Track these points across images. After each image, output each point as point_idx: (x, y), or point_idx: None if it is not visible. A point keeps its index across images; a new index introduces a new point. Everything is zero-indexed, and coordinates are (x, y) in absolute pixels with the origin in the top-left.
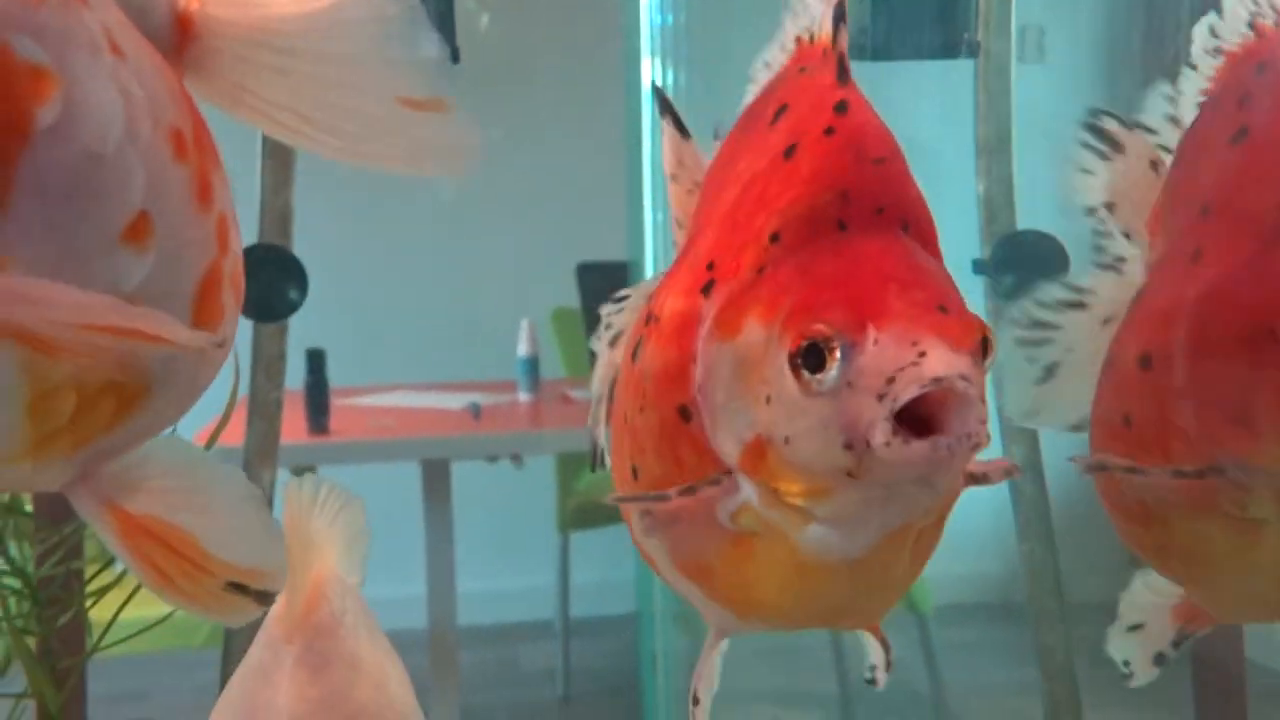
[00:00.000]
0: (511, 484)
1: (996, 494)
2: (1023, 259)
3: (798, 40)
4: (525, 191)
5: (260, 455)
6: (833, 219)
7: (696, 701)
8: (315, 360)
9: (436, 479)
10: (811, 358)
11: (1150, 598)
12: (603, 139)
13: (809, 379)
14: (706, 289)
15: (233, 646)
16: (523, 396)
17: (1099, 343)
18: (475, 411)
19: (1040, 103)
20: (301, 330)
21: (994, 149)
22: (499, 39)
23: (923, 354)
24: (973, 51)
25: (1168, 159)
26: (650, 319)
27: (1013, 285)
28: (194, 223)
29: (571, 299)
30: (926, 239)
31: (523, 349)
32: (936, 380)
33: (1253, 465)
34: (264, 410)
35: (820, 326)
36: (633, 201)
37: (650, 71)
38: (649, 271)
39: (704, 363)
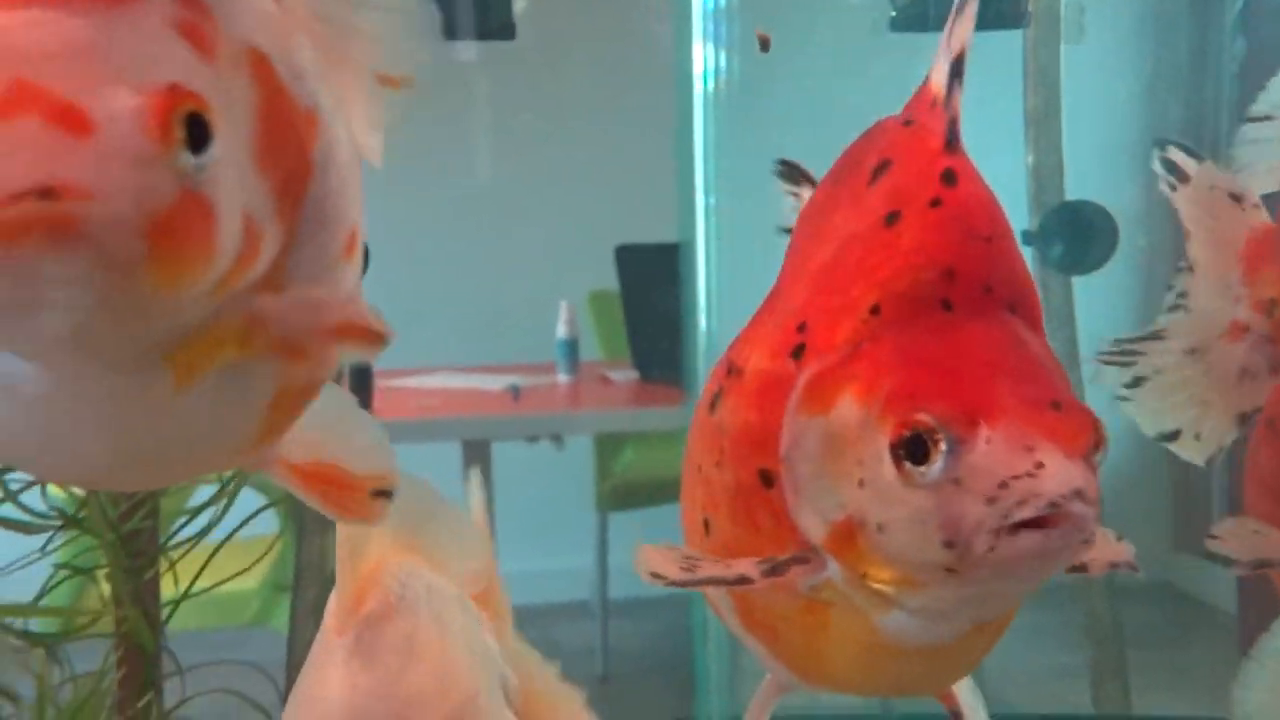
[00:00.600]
0: (550, 465)
1: None
2: (1072, 229)
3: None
4: (563, 174)
5: None
6: (938, 298)
7: None
8: None
9: (477, 459)
10: (915, 448)
11: None
12: (642, 121)
13: (911, 470)
14: (797, 352)
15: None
16: (562, 378)
17: (1186, 372)
18: (515, 393)
19: (1083, 82)
20: None
21: (1043, 120)
22: (540, 18)
23: (1040, 465)
24: (1025, 22)
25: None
26: (731, 370)
27: (1061, 255)
28: (363, 219)
29: (607, 282)
30: (1033, 319)
31: (562, 331)
32: (1053, 505)
33: None
34: None
35: (925, 418)
36: (683, 184)
37: (701, 55)
38: (700, 254)
39: (791, 432)
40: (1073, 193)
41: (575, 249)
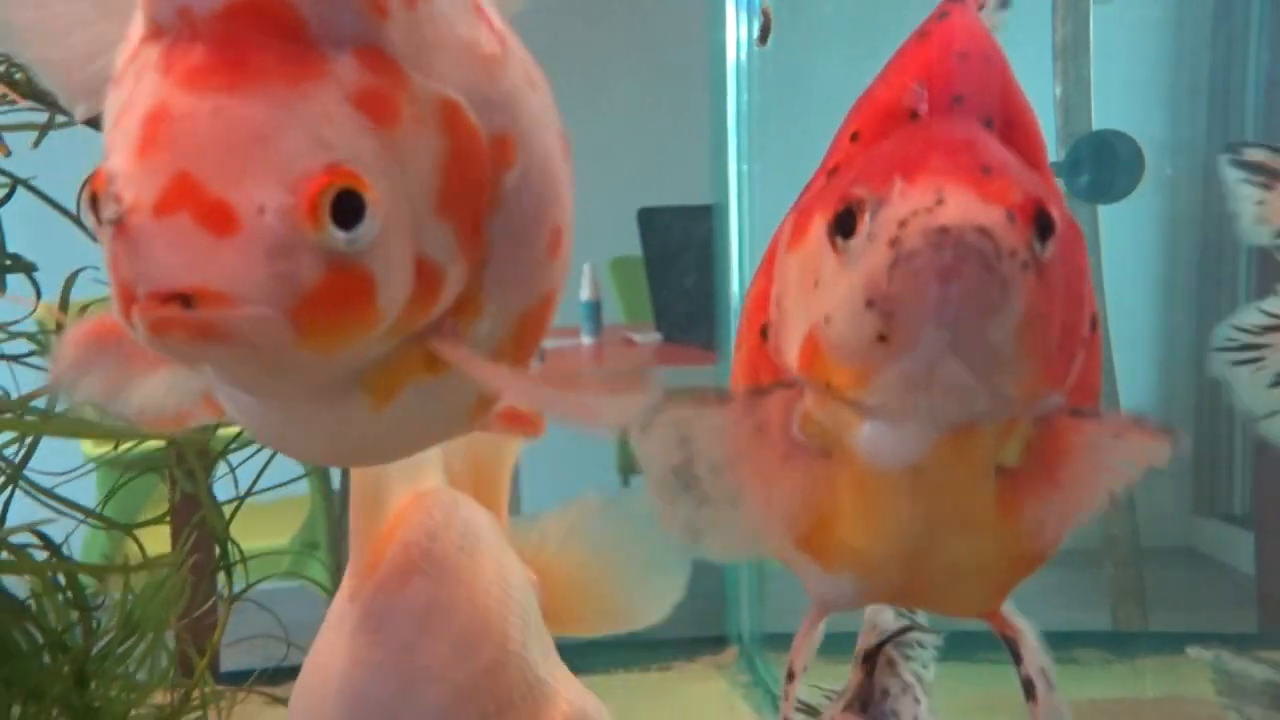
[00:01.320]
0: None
1: None
2: (1099, 158)
3: None
4: (590, 140)
5: None
6: (906, 111)
7: (792, 677)
8: None
9: None
10: (845, 223)
11: None
12: (672, 88)
13: (842, 245)
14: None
15: None
16: (585, 340)
17: None
18: (539, 354)
19: (1111, 13)
20: None
21: (1071, 51)
22: None
23: (941, 201)
24: None
25: None
26: (762, 263)
27: (1088, 184)
28: (571, 208)
29: (629, 248)
30: (1021, 138)
31: (585, 293)
32: (944, 230)
33: None
34: None
35: (855, 191)
36: (716, 151)
37: (734, 21)
38: (733, 219)
39: (778, 276)
40: (1100, 123)
41: (600, 214)
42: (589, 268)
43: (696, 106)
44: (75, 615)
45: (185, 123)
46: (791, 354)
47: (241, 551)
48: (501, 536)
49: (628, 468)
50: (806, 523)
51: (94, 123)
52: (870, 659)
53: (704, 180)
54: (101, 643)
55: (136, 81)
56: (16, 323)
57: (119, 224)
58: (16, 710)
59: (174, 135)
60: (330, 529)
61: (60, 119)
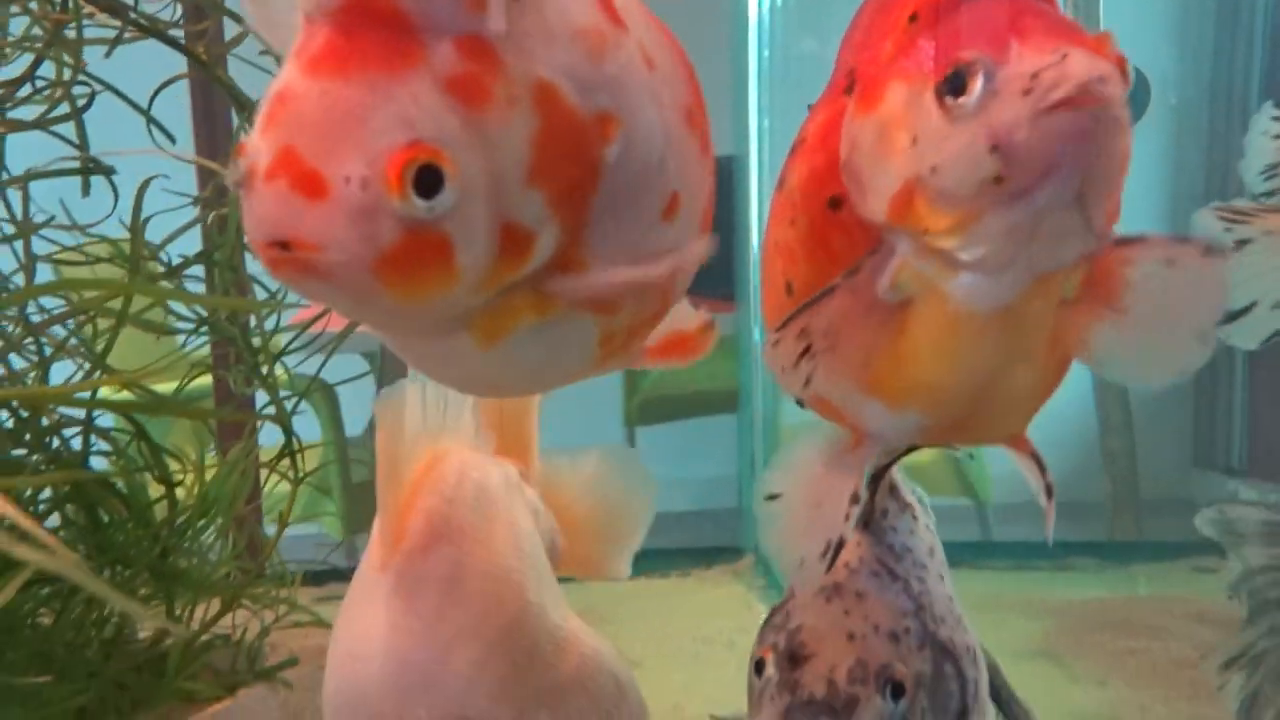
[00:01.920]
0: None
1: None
2: None
3: None
4: None
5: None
6: None
7: (856, 500)
8: None
9: None
10: (955, 83)
11: None
12: (690, 41)
13: (953, 104)
14: (849, 89)
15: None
16: None
17: None
18: None
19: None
20: None
21: None
22: None
23: (1065, 57)
24: None
25: None
26: (794, 148)
27: None
28: (700, 171)
29: None
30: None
31: None
32: (1082, 87)
33: None
34: None
35: (963, 54)
36: (737, 104)
37: None
38: (753, 173)
39: (849, 140)
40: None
41: None
42: None
43: (717, 61)
44: (152, 498)
45: (297, 103)
46: (877, 209)
47: (300, 442)
48: (511, 491)
49: (634, 419)
50: (883, 367)
51: (158, 34)
52: (875, 481)
53: (725, 133)
54: (178, 521)
55: (287, 63)
56: (95, 224)
57: (245, 185)
58: (107, 573)
59: (288, 114)
60: (343, 475)
61: (129, 34)
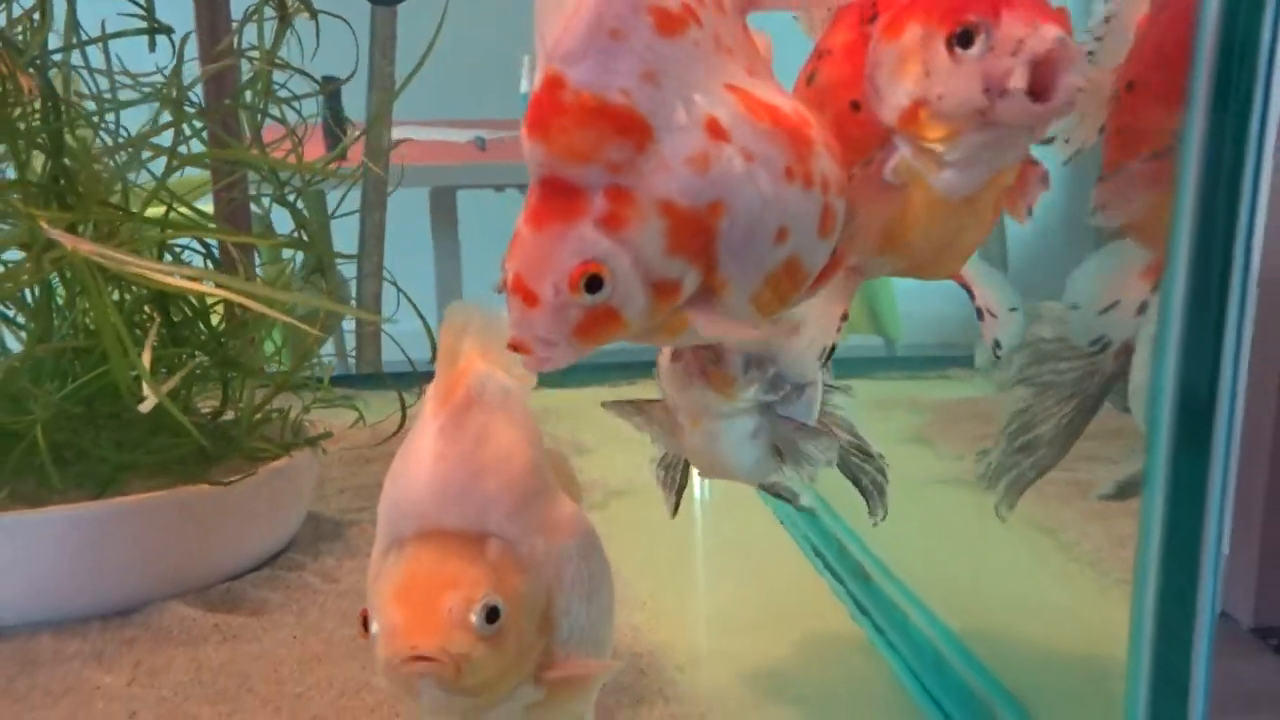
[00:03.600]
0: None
1: None
2: None
3: None
4: None
5: None
6: None
7: (845, 318)
8: (333, 93)
9: (444, 208)
10: (964, 38)
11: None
12: None
13: (961, 54)
14: (872, 20)
15: None
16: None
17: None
18: (480, 144)
19: None
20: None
21: None
22: None
23: (1036, 26)
24: None
25: None
26: (822, 54)
27: None
28: (804, 203)
29: None
30: None
31: (525, 85)
32: (1053, 41)
33: None
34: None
35: (970, 17)
36: None
37: None
38: None
39: (873, 59)
40: None
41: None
42: (527, 59)
43: None
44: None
45: (523, 244)
46: (889, 115)
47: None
48: (519, 401)
49: None
50: (886, 229)
51: None
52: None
53: None
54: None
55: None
56: (152, 74)
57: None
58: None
59: (517, 250)
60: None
61: None
